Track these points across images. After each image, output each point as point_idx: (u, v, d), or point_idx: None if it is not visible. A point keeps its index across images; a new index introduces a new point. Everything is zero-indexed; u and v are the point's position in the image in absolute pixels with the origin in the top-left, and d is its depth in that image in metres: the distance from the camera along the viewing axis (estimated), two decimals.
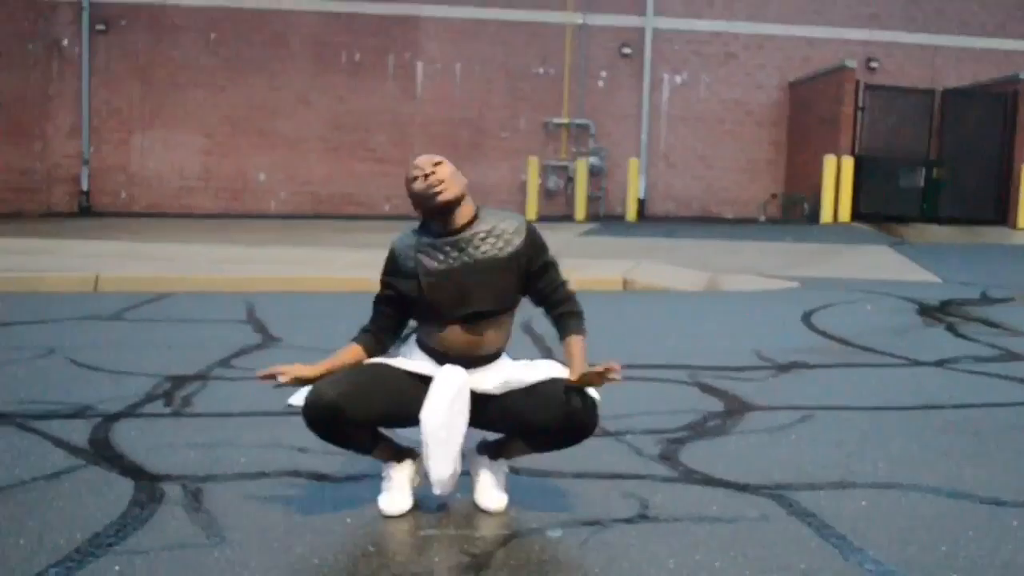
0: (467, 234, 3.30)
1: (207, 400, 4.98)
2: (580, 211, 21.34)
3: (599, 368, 3.10)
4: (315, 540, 3.15)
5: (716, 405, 5.04)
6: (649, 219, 21.71)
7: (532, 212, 21.11)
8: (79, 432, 4.32)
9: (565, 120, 22.32)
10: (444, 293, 3.26)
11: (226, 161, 21.67)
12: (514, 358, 3.48)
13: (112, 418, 4.57)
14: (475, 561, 3.00)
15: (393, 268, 3.37)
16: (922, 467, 4.05)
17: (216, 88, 21.50)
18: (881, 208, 19.41)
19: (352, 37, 21.73)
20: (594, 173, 22.14)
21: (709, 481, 3.81)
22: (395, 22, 21.77)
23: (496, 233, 3.31)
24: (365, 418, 3.18)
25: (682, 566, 3.00)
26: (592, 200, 22.01)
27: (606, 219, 21.53)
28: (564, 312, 3.42)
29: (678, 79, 22.59)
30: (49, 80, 20.96)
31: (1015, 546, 3.21)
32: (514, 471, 3.73)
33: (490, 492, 3.42)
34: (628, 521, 3.36)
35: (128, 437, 4.26)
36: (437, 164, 3.27)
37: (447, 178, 3.24)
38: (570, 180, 22.15)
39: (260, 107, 21.54)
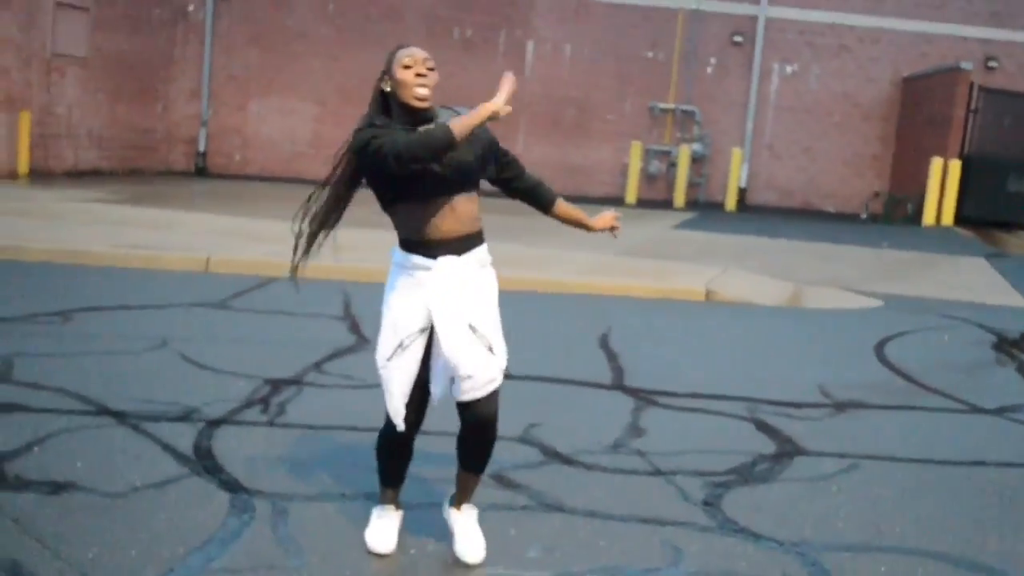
0: (441, 121, 3.38)
1: (299, 409, 5.49)
2: (679, 197, 21.49)
3: (609, 217, 3.82)
4: (383, 565, 3.61)
5: (768, 446, 5.36)
6: (749, 208, 21.75)
7: (632, 196, 21.33)
8: (185, 438, 4.85)
9: (671, 105, 22.43)
10: (450, 166, 3.38)
11: (337, 130, 22.25)
12: None
13: (214, 423, 5.11)
14: None
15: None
16: (950, 534, 4.32)
17: (330, 58, 22.16)
18: (987, 213, 19.15)
19: (465, 13, 22.14)
20: (696, 160, 22.24)
21: (744, 533, 4.16)
22: (508, 1, 22.08)
23: None
24: (423, 409, 3.67)
25: None
26: (692, 186, 22.14)
27: (705, 206, 21.64)
28: (536, 183, 3.77)
29: (788, 69, 22.48)
30: (173, 44, 21.86)
31: None
32: (564, 510, 4.14)
33: (465, 544, 3.67)
34: (659, 571, 3.74)
35: (227, 446, 4.78)
36: (431, 68, 3.41)
37: (433, 83, 3.40)
38: (672, 166, 22.29)
39: (372, 78, 22.00)
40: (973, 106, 19.30)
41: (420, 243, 3.47)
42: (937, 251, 15.08)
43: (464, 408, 3.51)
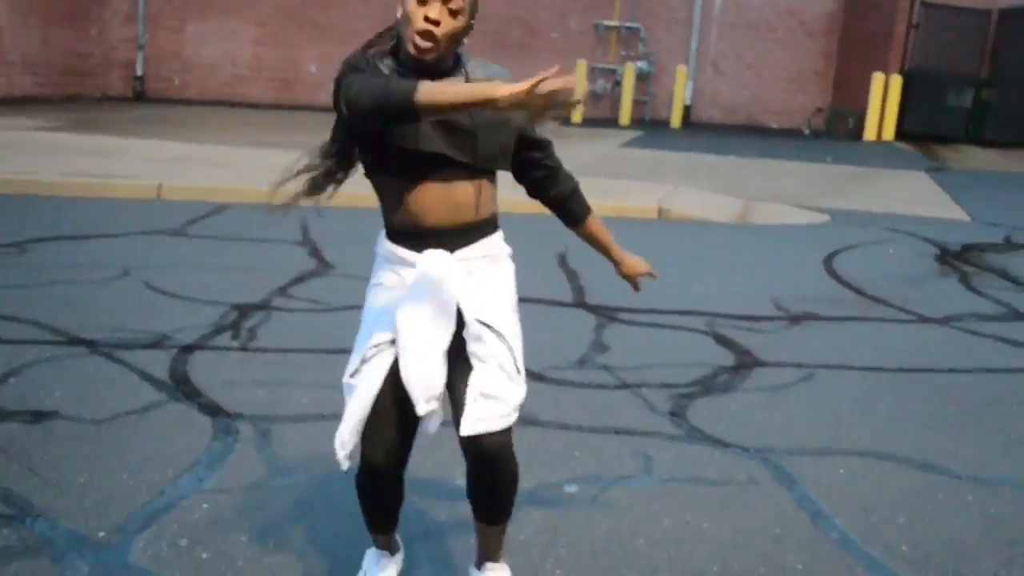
0: (458, 76, 2.59)
1: (270, 334, 5.56)
2: (625, 116, 21.55)
3: (643, 266, 3.10)
4: None
5: (727, 358, 5.55)
6: (694, 125, 21.88)
7: (578, 114, 21.33)
8: (160, 364, 4.92)
9: (616, 23, 22.36)
10: (443, 136, 2.55)
11: (277, 52, 22.01)
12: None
13: (187, 349, 5.18)
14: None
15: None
16: (902, 436, 4.55)
17: None
18: (927, 127, 19.47)
19: None
20: (641, 77, 22.26)
21: (710, 441, 4.35)
22: None
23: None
24: (414, 431, 2.71)
25: (674, 526, 3.55)
26: (638, 104, 22.19)
27: (651, 124, 21.74)
28: (570, 192, 2.87)
29: None
30: None
31: (964, 521, 3.73)
32: (538, 424, 4.30)
33: None
34: (633, 478, 3.92)
35: (203, 372, 4.86)
36: (455, 11, 2.46)
37: (449, 33, 2.48)
38: (617, 84, 22.30)
39: None
40: (914, 21, 19.50)
41: (404, 232, 2.67)
42: (880, 166, 15.36)
43: (466, 440, 2.58)
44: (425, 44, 2.47)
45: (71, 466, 3.76)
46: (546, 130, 2.72)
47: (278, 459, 3.93)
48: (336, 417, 4.30)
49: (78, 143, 12.75)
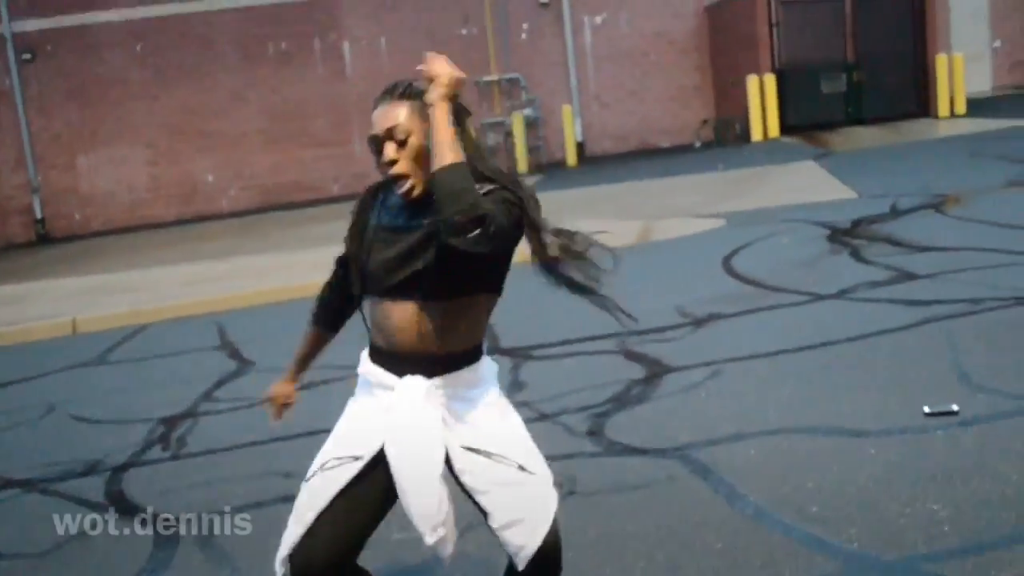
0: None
1: (200, 438, 5.69)
2: (522, 164, 21.94)
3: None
4: None
5: (638, 372, 5.81)
6: (590, 160, 22.37)
7: None
8: (95, 489, 5.02)
9: (495, 76, 22.85)
10: (390, 254, 2.55)
11: (172, 168, 22.08)
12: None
13: (121, 469, 5.28)
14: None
15: (355, 219, 2.71)
16: (807, 408, 4.83)
17: (150, 99, 21.84)
18: (808, 118, 20.16)
19: (276, 28, 22.08)
20: (531, 124, 22.74)
21: (628, 451, 4.58)
22: (316, 6, 22.13)
23: None
24: (360, 548, 2.61)
25: (601, 534, 3.76)
26: (532, 150, 22.62)
27: (549, 167, 22.17)
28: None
29: (598, 19, 23.11)
30: None
31: (868, 473, 4.00)
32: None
33: None
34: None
35: (138, 487, 4.97)
36: (402, 142, 2.53)
37: (408, 167, 2.52)
38: (508, 135, 22.73)
39: (197, 111, 21.90)
40: (774, 20, 20.26)
41: (382, 352, 2.63)
42: (768, 163, 15.89)
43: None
44: (403, 185, 2.53)
45: None
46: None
47: (222, 554, 4.06)
48: (276, 502, 4.48)
49: None
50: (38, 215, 21.84)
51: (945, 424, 4.40)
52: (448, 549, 2.63)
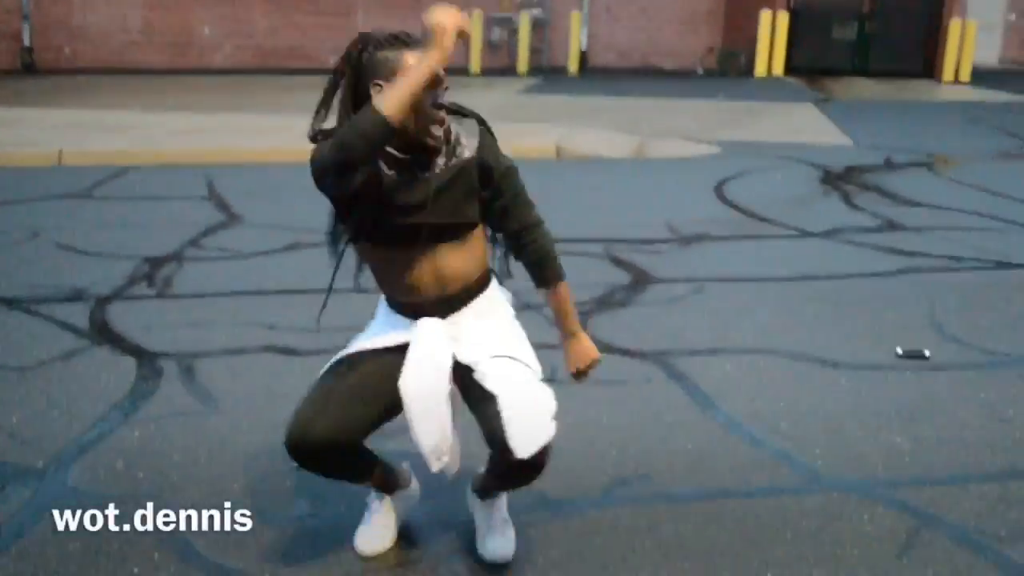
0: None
1: (185, 281, 5.74)
2: (523, 64, 21.73)
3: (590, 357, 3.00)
4: (289, 407, 3.98)
5: (623, 278, 5.90)
6: (591, 71, 22.19)
7: (476, 65, 21.48)
8: (79, 315, 5.07)
9: None
10: (406, 194, 2.62)
11: (169, 15, 21.66)
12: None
13: (105, 300, 5.33)
14: None
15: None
16: (784, 335, 4.95)
17: None
18: (814, 61, 20.10)
19: None
20: (537, 26, 22.46)
21: (609, 349, 4.67)
22: None
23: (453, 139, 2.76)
24: (363, 434, 2.73)
25: (578, 421, 3.85)
26: (535, 52, 22.38)
27: (549, 72, 21.98)
28: (544, 255, 2.93)
29: None
30: None
31: (836, 400, 4.14)
32: None
33: (487, 540, 2.94)
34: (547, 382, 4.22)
35: (123, 319, 5.03)
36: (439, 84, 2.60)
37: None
38: (514, 33, 22.46)
39: None
40: None
41: (395, 303, 2.79)
42: (770, 100, 15.86)
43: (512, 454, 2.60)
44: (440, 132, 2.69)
45: (2, 410, 3.93)
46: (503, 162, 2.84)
47: (204, 391, 4.15)
48: (259, 350, 4.56)
49: None
50: (26, 43, 21.40)
51: (916, 367, 4.55)
52: (452, 471, 2.84)
